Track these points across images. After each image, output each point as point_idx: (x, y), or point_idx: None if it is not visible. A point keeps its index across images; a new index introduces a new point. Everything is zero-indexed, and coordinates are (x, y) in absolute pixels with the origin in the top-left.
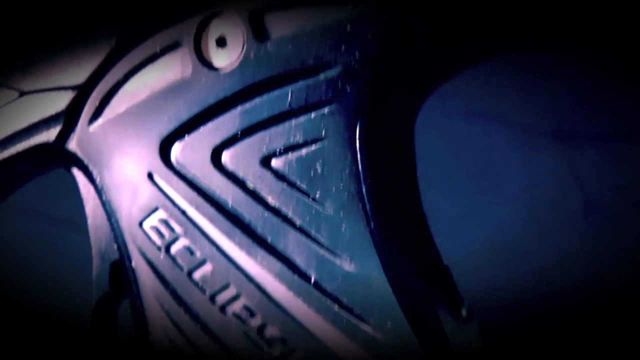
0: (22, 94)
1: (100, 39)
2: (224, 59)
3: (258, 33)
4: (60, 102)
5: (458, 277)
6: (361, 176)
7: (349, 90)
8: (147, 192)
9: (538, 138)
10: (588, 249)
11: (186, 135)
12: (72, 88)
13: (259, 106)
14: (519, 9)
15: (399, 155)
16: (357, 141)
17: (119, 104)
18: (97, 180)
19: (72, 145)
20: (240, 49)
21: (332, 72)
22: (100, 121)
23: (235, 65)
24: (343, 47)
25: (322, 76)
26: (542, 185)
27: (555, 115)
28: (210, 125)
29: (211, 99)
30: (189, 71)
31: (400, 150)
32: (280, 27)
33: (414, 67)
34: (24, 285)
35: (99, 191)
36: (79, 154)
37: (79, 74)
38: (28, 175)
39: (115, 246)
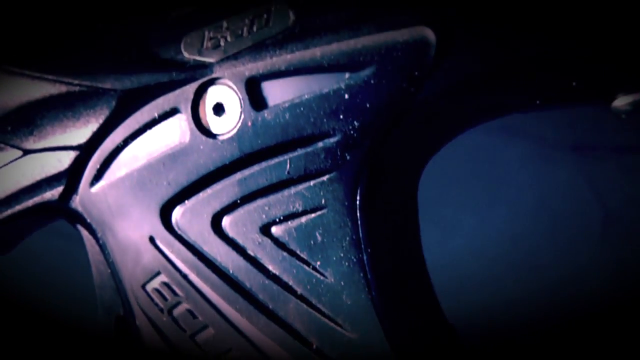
0: (26, 152)
1: (101, 100)
2: (222, 127)
3: (255, 101)
4: (62, 161)
5: (473, 290)
6: (362, 244)
7: (348, 159)
8: (149, 256)
9: (556, 150)
10: (606, 263)
11: (186, 200)
12: (74, 148)
13: (258, 174)
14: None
15: (401, 219)
16: (358, 210)
17: (119, 168)
18: (101, 239)
19: (76, 204)
20: (238, 117)
21: (330, 141)
22: (101, 183)
23: (233, 133)
24: (341, 116)
25: (320, 145)
26: (560, 198)
27: (573, 128)
28: (209, 191)
29: (210, 166)
30: (187, 138)
31: (402, 214)
32: (277, 95)
33: (414, 133)
34: (36, 294)
35: (102, 249)
36: (83, 213)
37: (81, 135)
38: (34, 228)
39: (119, 301)
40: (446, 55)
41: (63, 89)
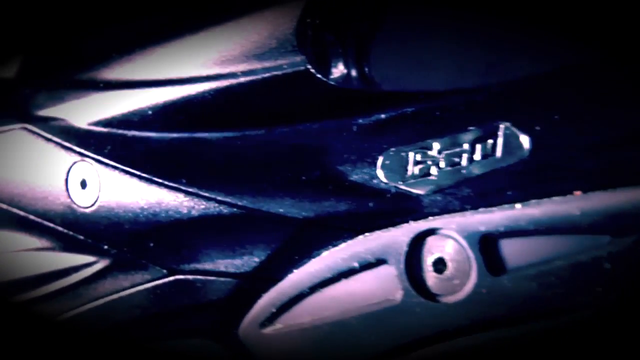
0: (171, 273)
1: (274, 228)
2: (444, 287)
3: (491, 263)
4: (218, 290)
5: None
6: None
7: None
8: None
9: None
10: None
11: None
12: (234, 276)
13: (489, 344)
14: None
15: None
16: None
17: (301, 315)
18: None
19: (239, 339)
20: (467, 279)
21: (583, 314)
22: (277, 327)
23: (461, 297)
24: (599, 289)
25: (570, 318)
26: None
27: None
28: (422, 353)
29: (426, 331)
30: (397, 295)
31: None
32: (519, 257)
33: None
34: None
35: None
36: (251, 351)
37: (243, 263)
38: None
39: None
40: None
41: (224, 210)
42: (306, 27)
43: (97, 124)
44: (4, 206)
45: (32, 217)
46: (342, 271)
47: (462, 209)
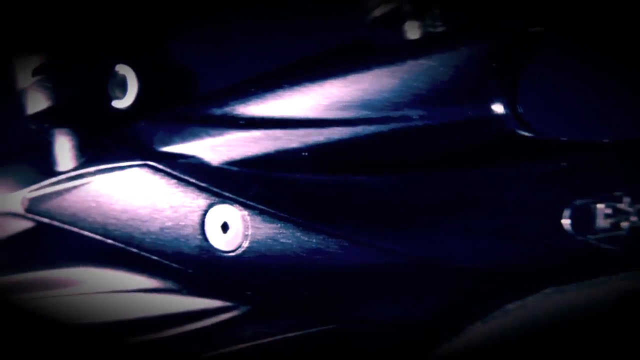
0: (327, 322)
1: (445, 278)
2: None
3: None
4: (381, 340)
5: None
6: None
7: None
8: None
9: None
10: None
11: None
12: (402, 327)
13: None
14: None
15: None
16: None
17: None
18: None
19: None
20: None
21: None
22: None
23: None
24: None
25: None
26: None
27: None
28: None
29: None
30: None
31: None
32: None
33: None
34: None
35: None
36: None
37: (412, 313)
38: None
39: None
40: None
41: (395, 259)
42: (490, 71)
43: (238, 164)
44: (120, 245)
45: (155, 257)
46: (535, 327)
47: None
